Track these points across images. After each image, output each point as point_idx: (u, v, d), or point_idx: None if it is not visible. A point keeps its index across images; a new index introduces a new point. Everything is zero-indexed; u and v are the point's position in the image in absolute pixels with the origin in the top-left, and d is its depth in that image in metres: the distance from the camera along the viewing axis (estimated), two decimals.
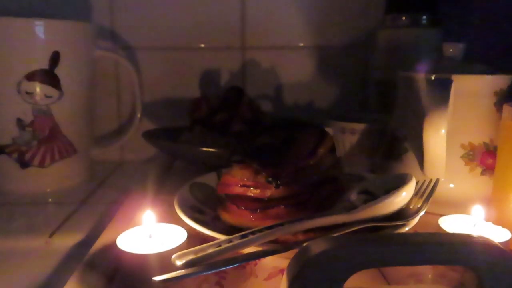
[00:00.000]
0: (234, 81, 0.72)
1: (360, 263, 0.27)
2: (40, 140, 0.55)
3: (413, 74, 0.44)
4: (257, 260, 0.35)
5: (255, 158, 0.37)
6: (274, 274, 0.34)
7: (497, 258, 0.27)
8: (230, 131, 0.56)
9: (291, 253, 0.31)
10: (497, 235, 0.34)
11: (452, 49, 0.46)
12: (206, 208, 0.41)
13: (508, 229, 0.34)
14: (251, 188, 0.37)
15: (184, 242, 0.32)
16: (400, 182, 0.37)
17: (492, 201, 0.38)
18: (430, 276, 0.34)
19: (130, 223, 0.41)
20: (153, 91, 0.72)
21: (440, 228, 0.35)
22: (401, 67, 0.50)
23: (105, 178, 0.65)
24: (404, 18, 0.62)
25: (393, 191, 0.35)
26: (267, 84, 0.74)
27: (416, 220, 0.35)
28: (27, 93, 0.53)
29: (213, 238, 0.38)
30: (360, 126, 0.54)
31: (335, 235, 0.32)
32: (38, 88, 0.54)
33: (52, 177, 0.57)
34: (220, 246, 0.29)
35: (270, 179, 0.35)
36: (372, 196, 0.38)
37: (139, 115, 0.66)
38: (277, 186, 0.35)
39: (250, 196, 0.37)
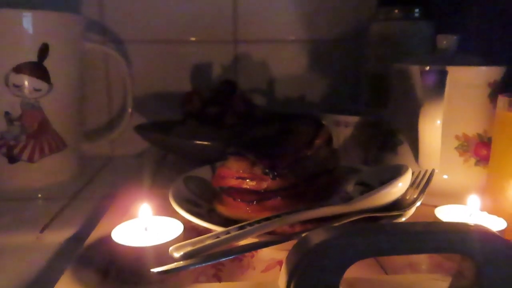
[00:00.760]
0: (226, 75, 0.71)
1: (360, 253, 0.27)
2: (29, 135, 0.54)
3: (407, 66, 0.44)
4: (253, 252, 0.35)
5: (251, 150, 0.37)
6: (271, 265, 0.33)
7: (495, 246, 0.27)
8: (223, 124, 0.56)
9: (287, 245, 0.31)
10: (493, 224, 0.34)
11: (446, 41, 0.46)
12: (201, 201, 0.41)
13: (503, 218, 0.35)
14: (247, 180, 0.37)
15: (180, 234, 0.31)
16: (396, 173, 0.37)
17: (487, 191, 0.38)
18: (427, 265, 0.34)
19: (124, 217, 0.40)
20: (144, 85, 0.71)
21: (436, 218, 0.35)
22: (394, 60, 0.50)
23: (96, 173, 0.64)
24: (396, 10, 0.62)
25: (389, 182, 0.35)
26: (259, 77, 0.73)
27: (412, 210, 0.35)
28: (15, 86, 0.52)
29: (209, 231, 0.38)
30: (354, 119, 0.54)
31: (334, 225, 0.32)
32: (26, 81, 0.52)
33: (42, 172, 0.56)
34: (218, 237, 0.29)
35: (267, 170, 0.35)
36: (368, 187, 0.38)
37: (130, 110, 0.65)
38: (273, 178, 0.35)
39: (246, 188, 0.37)
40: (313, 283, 0.26)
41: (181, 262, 0.26)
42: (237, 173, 0.37)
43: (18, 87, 0.52)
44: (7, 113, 0.53)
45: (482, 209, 0.35)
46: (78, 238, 0.42)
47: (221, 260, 0.28)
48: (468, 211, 0.35)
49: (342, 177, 0.40)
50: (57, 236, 0.42)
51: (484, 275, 0.27)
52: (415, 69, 0.43)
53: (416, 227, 0.28)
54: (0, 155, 0.54)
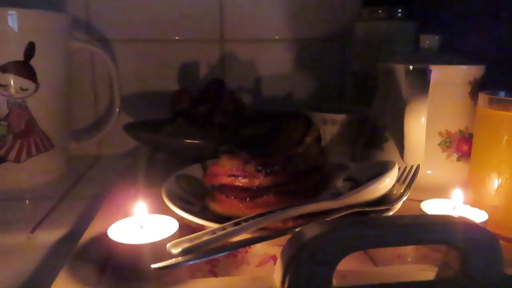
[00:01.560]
0: (213, 74, 0.72)
1: (352, 245, 0.28)
2: (16, 134, 0.53)
3: (392, 64, 0.46)
4: (247, 248, 0.36)
5: (243, 148, 0.37)
6: (265, 260, 0.34)
7: (479, 236, 0.29)
8: (213, 123, 0.56)
9: (280, 240, 0.32)
10: (475, 216, 0.35)
11: (429, 41, 0.47)
12: (193, 199, 0.42)
13: (485, 211, 0.36)
14: (240, 178, 0.37)
15: (176, 231, 0.32)
16: (383, 169, 0.38)
17: (469, 185, 0.40)
18: (414, 257, 0.35)
19: (117, 215, 0.40)
20: (130, 84, 0.71)
21: (422, 211, 0.37)
22: (379, 59, 0.51)
23: (84, 172, 0.64)
24: (380, 11, 0.63)
25: (377, 177, 0.36)
26: (246, 76, 0.74)
27: (400, 204, 0.36)
28: (1, 85, 0.52)
29: (202, 228, 0.38)
30: (340, 117, 0.55)
31: (327, 220, 0.33)
32: (12, 81, 0.52)
33: (29, 173, 0.56)
34: (214, 233, 0.29)
35: (259, 168, 0.36)
36: (357, 183, 0.40)
37: (117, 109, 0.65)
38: (266, 175, 0.36)
39: (238, 186, 0.38)
40: (307, 276, 0.27)
41: (180, 258, 0.27)
42: (229, 171, 0.38)
43: (4, 86, 0.52)
44: None
45: (465, 203, 0.37)
46: (70, 238, 0.42)
47: (219, 255, 0.28)
48: (452, 205, 0.37)
49: (331, 173, 0.41)
50: (49, 236, 0.42)
51: (469, 264, 0.29)
52: (400, 68, 0.45)
53: (404, 220, 0.29)
54: None
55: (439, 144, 0.45)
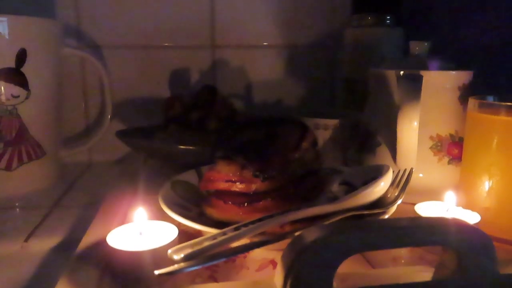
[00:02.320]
0: (204, 80, 0.72)
1: (352, 248, 0.28)
2: (7, 142, 0.53)
3: (384, 70, 0.47)
4: (246, 253, 0.36)
5: (240, 154, 0.38)
6: (264, 265, 0.34)
7: (474, 237, 0.29)
8: (207, 129, 0.56)
9: (278, 245, 0.32)
10: (468, 218, 0.36)
11: (418, 47, 0.48)
12: (189, 205, 0.42)
13: (477, 212, 0.37)
14: (237, 183, 0.38)
15: (176, 237, 0.32)
16: (377, 173, 0.39)
17: (461, 188, 0.41)
18: (409, 259, 0.36)
19: (113, 222, 0.40)
20: (121, 90, 0.71)
21: (417, 214, 0.38)
22: (368, 65, 0.52)
23: (75, 180, 0.63)
24: (369, 18, 0.64)
25: (372, 181, 0.37)
26: (237, 82, 0.74)
27: (394, 207, 0.37)
28: None
29: (199, 234, 0.38)
30: (332, 122, 0.56)
31: (326, 223, 0.33)
32: (3, 88, 0.51)
33: (20, 181, 0.55)
34: (215, 239, 0.30)
35: (257, 173, 0.36)
36: (352, 187, 0.40)
37: (109, 116, 0.65)
38: (264, 180, 0.36)
39: (235, 191, 0.38)
40: (309, 279, 0.27)
41: (182, 263, 0.27)
42: (226, 176, 0.38)
43: None
44: None
45: (457, 205, 0.38)
46: (65, 246, 0.42)
47: (222, 260, 0.28)
48: (445, 207, 0.38)
49: (327, 178, 0.41)
50: (43, 245, 0.42)
51: (465, 265, 0.29)
52: (391, 74, 0.45)
53: (403, 223, 0.30)
54: None
55: (430, 148, 0.46)
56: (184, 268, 0.27)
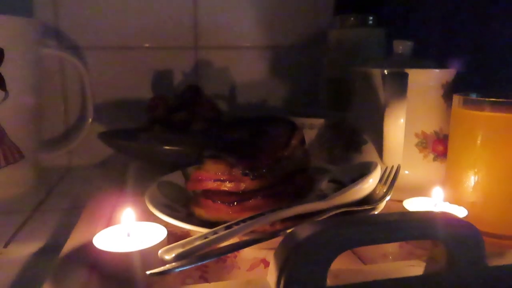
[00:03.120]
0: (187, 81, 0.71)
1: (345, 244, 0.28)
2: None
3: (369, 69, 0.47)
4: (236, 253, 0.35)
5: (229, 152, 0.37)
6: (255, 264, 0.34)
7: (464, 231, 0.30)
8: (191, 130, 0.56)
9: (268, 244, 0.32)
10: (456, 212, 0.37)
11: (402, 46, 0.49)
12: (177, 205, 0.41)
13: (464, 207, 0.38)
14: (226, 182, 0.37)
15: (165, 238, 0.31)
16: (365, 170, 0.39)
17: (447, 183, 0.41)
18: (399, 254, 0.36)
19: (98, 225, 0.39)
20: (101, 92, 0.69)
21: (405, 209, 0.38)
22: (351, 64, 0.52)
23: (55, 184, 0.61)
24: (352, 18, 0.65)
25: (361, 178, 0.37)
26: (220, 83, 0.74)
27: (383, 203, 0.37)
28: None
29: (189, 234, 0.38)
30: (318, 121, 0.56)
31: (318, 220, 0.33)
32: None
33: None
34: (206, 238, 0.29)
35: (247, 171, 0.36)
36: (340, 184, 0.40)
37: (90, 118, 0.63)
38: (253, 178, 0.36)
39: (224, 190, 0.37)
40: (302, 276, 0.27)
41: (174, 263, 0.26)
42: (215, 176, 0.37)
43: None
44: None
45: (444, 200, 0.38)
46: (47, 251, 0.40)
47: (214, 259, 0.28)
48: (433, 202, 0.38)
49: (315, 175, 0.41)
50: (24, 251, 0.40)
51: (455, 258, 0.30)
52: (376, 72, 0.46)
53: (394, 217, 0.30)
54: None
55: (416, 145, 0.46)
56: (175, 268, 0.26)
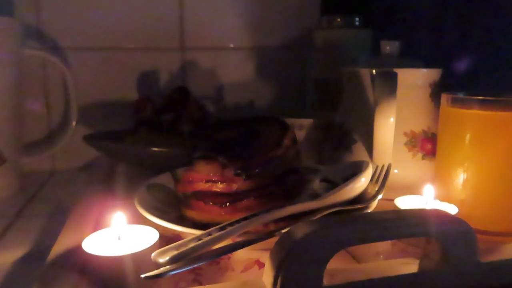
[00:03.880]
0: (174, 82, 0.71)
1: (341, 243, 0.28)
2: None
3: (358, 69, 0.47)
4: (229, 254, 0.35)
5: (220, 153, 0.37)
6: (249, 265, 0.33)
7: (457, 228, 0.30)
8: (178, 131, 0.55)
9: (263, 245, 0.32)
10: (447, 210, 0.37)
11: (389, 47, 0.50)
12: (167, 208, 0.40)
13: (454, 204, 0.38)
14: (218, 183, 0.37)
15: (157, 241, 0.31)
16: (356, 169, 0.39)
17: (436, 181, 0.42)
18: (393, 252, 0.36)
19: (85, 229, 0.38)
20: (86, 94, 0.68)
21: (397, 207, 0.38)
22: (338, 65, 0.52)
23: (38, 189, 0.60)
24: (338, 19, 0.65)
25: (353, 177, 0.37)
26: (207, 84, 0.73)
27: (376, 202, 0.37)
28: None
29: (180, 237, 0.37)
30: (307, 122, 0.56)
31: (313, 219, 0.33)
32: None
33: None
34: (200, 240, 0.28)
35: (239, 171, 0.35)
36: (332, 184, 0.40)
37: (74, 121, 0.62)
38: (246, 178, 0.35)
39: (215, 191, 0.37)
40: (299, 276, 0.27)
41: (168, 266, 0.26)
42: (206, 177, 0.37)
43: None
44: None
45: (434, 198, 0.39)
46: (32, 258, 0.39)
47: (208, 261, 0.27)
48: (423, 200, 0.38)
49: (307, 175, 0.41)
50: (7, 257, 0.39)
51: (449, 255, 0.30)
52: (365, 72, 0.46)
53: (388, 216, 0.30)
54: None
55: (405, 144, 0.46)
56: (170, 271, 0.26)
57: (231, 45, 0.73)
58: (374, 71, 0.45)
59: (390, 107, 0.42)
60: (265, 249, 0.35)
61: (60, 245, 0.35)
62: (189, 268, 0.26)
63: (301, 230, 0.28)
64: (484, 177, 0.38)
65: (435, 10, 0.61)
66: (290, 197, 0.37)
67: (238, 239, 0.31)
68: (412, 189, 0.41)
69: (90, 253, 0.29)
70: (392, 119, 0.42)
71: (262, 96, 0.75)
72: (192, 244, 0.28)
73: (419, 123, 0.47)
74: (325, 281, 0.28)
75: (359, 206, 0.36)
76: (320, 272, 0.27)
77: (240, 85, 0.74)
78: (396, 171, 0.47)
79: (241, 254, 0.35)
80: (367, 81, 0.46)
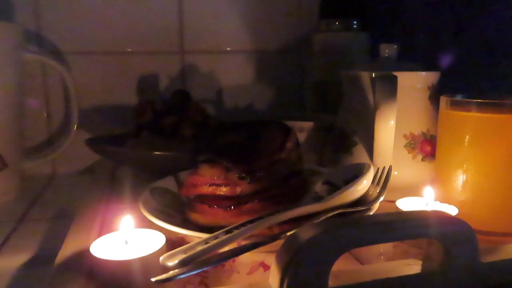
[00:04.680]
0: (173, 86, 0.71)
1: (347, 245, 0.28)
2: None
3: (358, 72, 0.48)
4: (234, 258, 0.35)
5: (224, 156, 0.37)
6: (255, 268, 0.34)
7: (458, 229, 0.31)
8: (181, 135, 0.55)
9: (267, 247, 0.32)
10: (447, 211, 0.38)
11: (388, 50, 0.50)
12: (171, 211, 0.40)
13: (454, 206, 0.39)
14: (222, 187, 0.37)
15: (164, 244, 0.31)
16: (356, 171, 0.40)
17: (436, 183, 0.42)
18: (395, 254, 0.37)
19: (91, 233, 0.38)
20: (87, 98, 0.68)
21: (398, 209, 0.39)
22: (336, 68, 0.53)
23: (39, 193, 0.60)
24: (337, 23, 0.66)
25: (355, 180, 0.38)
26: (207, 88, 0.74)
27: (378, 204, 0.38)
28: None
29: (185, 240, 0.37)
30: (308, 124, 0.56)
31: (317, 222, 0.33)
32: None
33: None
34: (207, 243, 0.29)
35: (243, 175, 0.36)
36: (334, 186, 0.41)
37: (75, 125, 0.62)
38: (250, 182, 0.36)
39: (219, 195, 0.37)
40: (305, 278, 0.27)
41: (177, 270, 0.26)
42: (211, 180, 0.37)
43: None
44: None
45: (435, 199, 0.39)
46: (37, 263, 0.39)
47: (216, 264, 0.28)
48: (424, 202, 0.39)
49: (310, 178, 0.42)
50: (12, 262, 0.39)
51: (451, 255, 0.30)
52: (365, 75, 0.47)
53: (391, 218, 0.30)
54: None
55: (404, 146, 0.47)
56: (179, 274, 0.26)
57: (231, 49, 0.73)
58: (374, 74, 0.46)
59: (391, 110, 0.42)
60: (269, 252, 0.35)
61: (67, 249, 0.35)
62: (198, 271, 0.27)
63: (306, 233, 0.28)
64: (483, 178, 0.39)
65: (433, 14, 0.62)
66: (294, 199, 0.37)
67: (244, 242, 0.31)
68: (412, 190, 0.42)
69: (98, 257, 0.29)
70: (392, 122, 0.43)
71: (262, 100, 0.76)
72: (199, 248, 0.28)
73: (418, 125, 0.47)
74: (330, 282, 0.29)
75: (361, 208, 0.37)
76: (325, 274, 0.28)
77: (239, 89, 0.75)
78: (396, 173, 0.47)
79: (246, 257, 0.35)
80: (367, 84, 0.47)
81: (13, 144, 0.55)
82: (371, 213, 0.37)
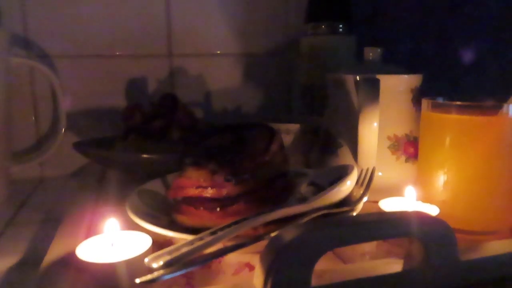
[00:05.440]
0: (162, 89, 0.71)
1: (329, 244, 0.29)
2: None
3: (342, 75, 0.49)
4: (220, 258, 0.36)
5: (210, 159, 0.38)
6: (240, 268, 0.34)
7: (438, 228, 0.31)
8: (168, 138, 0.56)
9: (253, 248, 0.33)
10: (428, 211, 0.39)
11: (372, 53, 0.51)
12: (158, 213, 0.41)
13: (435, 205, 0.40)
14: (208, 189, 0.37)
15: (150, 246, 0.31)
16: (341, 173, 0.41)
17: (418, 183, 0.43)
18: (377, 253, 0.38)
19: (77, 237, 0.38)
20: (74, 101, 0.68)
21: (381, 209, 0.39)
22: (323, 71, 0.54)
23: (27, 197, 0.60)
24: (323, 26, 0.67)
25: (339, 181, 0.38)
26: (195, 91, 0.74)
27: (361, 205, 0.38)
28: None
29: (172, 242, 0.38)
30: (294, 127, 0.57)
31: (301, 223, 0.34)
32: None
33: None
34: (192, 244, 0.29)
35: (229, 177, 0.36)
36: (319, 187, 0.41)
37: (63, 128, 0.62)
38: (236, 184, 0.36)
39: (206, 197, 0.38)
40: (288, 278, 0.28)
41: (162, 271, 0.27)
42: (197, 182, 0.38)
43: None
44: None
45: (417, 199, 0.40)
46: (24, 266, 0.39)
47: (202, 265, 0.28)
48: (406, 202, 0.40)
49: (295, 179, 0.42)
50: (1, 265, 0.39)
51: (430, 254, 0.31)
52: (349, 78, 0.48)
53: (372, 218, 0.31)
54: None
55: (388, 147, 0.48)
56: (164, 275, 0.26)
57: (219, 52, 0.74)
58: (358, 77, 0.47)
59: (374, 112, 0.43)
60: (255, 252, 0.36)
61: (54, 253, 0.35)
62: (182, 272, 0.27)
63: (289, 233, 0.29)
64: (463, 178, 0.40)
65: (416, 18, 0.63)
66: (279, 201, 0.38)
67: (229, 243, 0.32)
68: (395, 191, 0.43)
69: (84, 260, 0.29)
70: (375, 124, 0.43)
71: (250, 102, 0.77)
72: (184, 249, 0.29)
73: (401, 127, 0.48)
74: (313, 282, 0.29)
75: (345, 209, 0.38)
76: (308, 273, 0.29)
77: (227, 92, 0.75)
78: (380, 173, 0.48)
79: (232, 258, 0.36)
80: (351, 87, 0.48)
81: (1, 147, 0.55)
82: (354, 214, 0.38)
